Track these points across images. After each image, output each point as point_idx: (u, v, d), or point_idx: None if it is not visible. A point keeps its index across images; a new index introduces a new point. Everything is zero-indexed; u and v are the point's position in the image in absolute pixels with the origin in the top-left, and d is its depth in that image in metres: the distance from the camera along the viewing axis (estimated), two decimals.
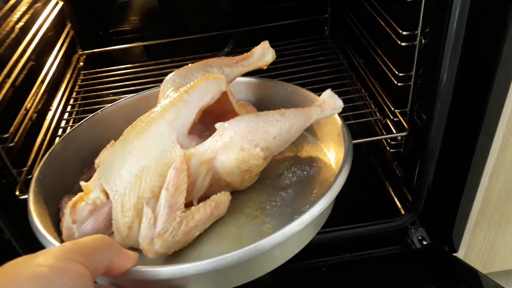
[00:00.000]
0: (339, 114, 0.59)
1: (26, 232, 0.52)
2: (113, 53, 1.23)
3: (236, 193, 0.55)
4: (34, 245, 0.48)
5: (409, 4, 0.70)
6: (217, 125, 0.51)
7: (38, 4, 1.01)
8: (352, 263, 0.74)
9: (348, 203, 0.87)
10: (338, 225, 0.83)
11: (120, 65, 1.14)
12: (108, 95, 1.07)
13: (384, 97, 0.89)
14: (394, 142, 0.86)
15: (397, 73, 0.79)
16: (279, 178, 0.59)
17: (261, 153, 0.51)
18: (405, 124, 0.82)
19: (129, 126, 0.53)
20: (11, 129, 0.71)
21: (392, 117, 0.85)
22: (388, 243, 0.86)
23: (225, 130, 0.50)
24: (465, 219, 0.82)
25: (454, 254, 0.82)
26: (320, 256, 0.72)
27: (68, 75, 1.11)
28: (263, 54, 0.66)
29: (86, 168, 0.63)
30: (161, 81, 0.60)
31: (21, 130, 0.75)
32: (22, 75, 0.83)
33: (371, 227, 0.85)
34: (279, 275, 0.61)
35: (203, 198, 0.51)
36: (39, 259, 0.30)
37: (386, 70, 0.83)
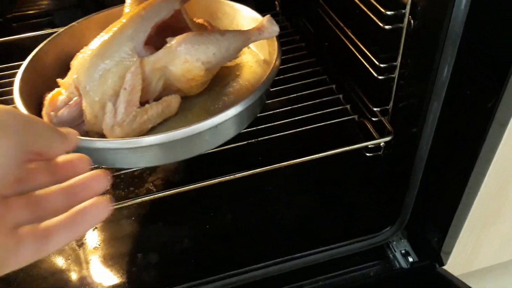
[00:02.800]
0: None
1: None
2: (14, 44, 0.97)
3: (187, 98, 0.67)
4: None
5: None
6: (168, 39, 0.62)
7: None
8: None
9: (321, 219, 0.74)
10: (312, 247, 0.69)
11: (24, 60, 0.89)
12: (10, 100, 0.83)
13: (358, 92, 0.73)
14: (372, 146, 0.71)
15: (377, 63, 0.64)
16: (224, 87, 0.71)
17: (202, 66, 0.62)
18: (387, 126, 0.67)
19: (98, 35, 0.62)
20: None
21: (370, 117, 0.69)
22: (367, 259, 0.72)
23: (173, 44, 0.61)
24: (457, 231, 0.69)
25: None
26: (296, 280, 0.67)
27: None
28: None
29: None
30: None
31: None
32: None
33: (350, 246, 0.70)
34: None
35: (158, 99, 0.63)
36: None
37: (362, 59, 0.68)
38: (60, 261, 0.74)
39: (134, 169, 0.81)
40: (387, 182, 0.75)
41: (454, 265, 0.76)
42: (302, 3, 0.97)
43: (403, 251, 0.76)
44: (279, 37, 0.71)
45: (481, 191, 0.64)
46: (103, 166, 0.62)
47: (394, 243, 0.76)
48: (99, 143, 0.57)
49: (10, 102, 0.84)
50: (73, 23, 0.80)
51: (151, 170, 0.88)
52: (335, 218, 0.76)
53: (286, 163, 0.65)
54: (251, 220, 0.77)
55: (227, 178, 0.66)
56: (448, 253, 0.72)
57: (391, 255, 0.75)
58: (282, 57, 0.69)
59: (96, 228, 0.79)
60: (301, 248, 0.71)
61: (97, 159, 0.61)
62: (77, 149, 0.52)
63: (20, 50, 0.95)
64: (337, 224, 0.76)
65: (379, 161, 0.74)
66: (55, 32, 0.78)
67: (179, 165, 0.89)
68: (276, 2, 1.07)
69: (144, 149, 0.58)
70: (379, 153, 0.72)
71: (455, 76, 0.53)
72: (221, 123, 0.59)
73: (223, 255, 0.73)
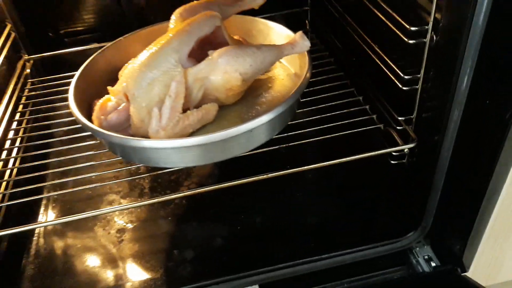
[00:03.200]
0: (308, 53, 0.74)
1: None
2: (66, 57, 1.07)
3: (223, 106, 0.73)
4: None
5: None
6: (209, 52, 0.68)
7: None
8: None
9: (347, 223, 0.77)
10: (336, 249, 0.73)
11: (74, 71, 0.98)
12: (62, 106, 0.92)
13: (384, 102, 0.78)
14: (397, 153, 0.75)
15: (402, 75, 0.68)
16: (257, 97, 0.78)
17: (240, 77, 0.68)
18: (411, 134, 0.71)
19: (146, 48, 0.69)
20: None
21: (395, 126, 0.74)
22: (391, 264, 0.75)
23: (214, 56, 0.68)
24: (478, 237, 0.72)
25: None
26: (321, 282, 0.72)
27: (11, 84, 0.94)
28: None
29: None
30: None
31: None
32: None
33: (373, 249, 0.74)
34: None
35: (198, 107, 0.69)
36: None
37: (387, 71, 0.73)
38: (102, 255, 0.80)
39: (174, 169, 0.87)
40: (411, 189, 0.78)
41: (477, 274, 0.78)
42: (330, 21, 1.03)
43: (426, 257, 0.79)
44: (309, 52, 0.77)
45: (501, 198, 0.67)
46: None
47: (417, 248, 0.79)
48: (146, 142, 0.64)
49: (58, 108, 0.94)
50: (120, 38, 0.88)
51: (186, 175, 0.94)
52: (360, 222, 0.80)
53: (313, 166, 0.70)
54: (279, 221, 0.82)
55: (257, 178, 0.72)
56: (470, 260, 0.74)
57: (414, 260, 0.78)
58: (312, 71, 0.74)
59: (135, 226, 0.85)
60: (327, 250, 0.75)
61: (142, 158, 0.67)
62: (126, 148, 0.59)
63: (70, 62, 1.05)
64: (362, 228, 0.80)
65: (403, 169, 0.78)
66: (102, 46, 0.86)
67: (212, 171, 0.95)
68: (306, 21, 1.14)
69: (185, 150, 0.65)
70: (403, 161, 0.76)
71: (474, 87, 0.57)
72: (255, 128, 0.65)
73: (253, 253, 0.77)
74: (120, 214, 0.87)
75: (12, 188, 0.80)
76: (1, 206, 0.78)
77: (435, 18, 0.60)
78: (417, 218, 0.75)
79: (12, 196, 0.76)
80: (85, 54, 1.03)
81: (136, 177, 0.92)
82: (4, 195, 0.77)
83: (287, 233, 0.80)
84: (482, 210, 0.67)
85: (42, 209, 0.90)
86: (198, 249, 0.79)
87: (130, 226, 0.85)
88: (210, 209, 0.86)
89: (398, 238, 0.77)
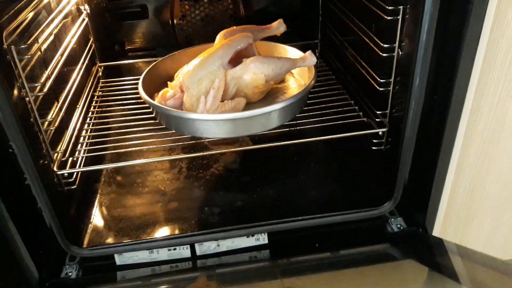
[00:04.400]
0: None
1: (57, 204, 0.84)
2: (127, 66, 1.39)
3: (249, 103, 0.98)
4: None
5: (389, 21, 0.89)
6: (244, 59, 0.96)
7: (68, 19, 1.17)
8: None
9: (332, 194, 1.05)
10: (329, 211, 0.98)
11: (133, 76, 1.31)
12: (121, 100, 1.22)
13: (368, 102, 1.07)
14: (376, 141, 1.02)
15: (379, 80, 0.97)
16: (275, 98, 1.05)
17: (264, 78, 0.95)
18: (385, 122, 0.99)
19: (199, 55, 0.98)
20: (49, 117, 0.90)
21: (374, 118, 1.02)
22: (368, 232, 0.99)
23: (247, 61, 0.95)
24: (435, 208, 0.96)
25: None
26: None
27: (89, 83, 1.25)
28: (278, 26, 1.15)
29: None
30: None
31: (55, 120, 0.92)
32: (55, 74, 0.97)
33: (357, 214, 0.99)
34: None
35: (232, 99, 0.95)
36: None
37: (369, 79, 1.02)
38: (150, 209, 1.06)
39: (215, 138, 1.18)
40: (386, 168, 1.05)
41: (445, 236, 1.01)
42: (334, 49, 1.34)
43: (398, 226, 1.03)
44: (315, 67, 1.05)
45: (451, 178, 0.92)
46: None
47: (392, 219, 1.03)
48: (196, 115, 0.93)
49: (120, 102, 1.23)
50: (174, 52, 1.19)
51: (215, 160, 1.22)
52: (347, 194, 1.06)
53: (312, 139, 0.99)
54: (286, 190, 1.08)
55: (272, 145, 1.01)
56: (432, 224, 0.99)
57: (389, 228, 1.03)
58: (318, 84, 1.02)
59: (175, 192, 1.11)
60: (322, 211, 1.01)
61: (191, 129, 0.95)
62: (180, 120, 0.88)
63: (130, 70, 1.38)
64: (349, 198, 1.04)
65: (381, 153, 1.04)
66: (157, 59, 1.16)
67: (235, 159, 1.23)
68: (316, 50, 1.45)
69: (222, 122, 0.93)
70: (381, 147, 1.03)
71: (425, 86, 0.85)
72: (273, 111, 0.94)
73: (264, 212, 1.02)
74: (163, 183, 1.14)
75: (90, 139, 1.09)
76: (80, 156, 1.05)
77: (400, 39, 0.89)
78: (390, 191, 1.01)
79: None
80: (142, 65, 1.37)
81: (176, 156, 1.20)
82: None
83: (291, 199, 1.05)
84: (435, 185, 0.92)
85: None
86: (223, 207, 1.05)
87: (171, 192, 1.11)
88: (233, 183, 1.13)
89: (376, 207, 1.02)
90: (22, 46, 0.78)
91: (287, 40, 1.20)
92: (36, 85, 0.84)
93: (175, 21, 1.38)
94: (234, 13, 1.41)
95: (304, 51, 1.15)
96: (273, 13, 1.40)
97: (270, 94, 1.10)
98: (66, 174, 0.92)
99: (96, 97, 1.25)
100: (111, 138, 1.11)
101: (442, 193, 0.95)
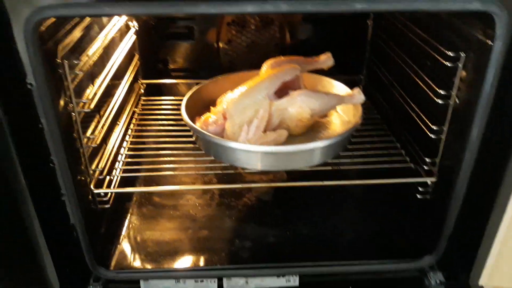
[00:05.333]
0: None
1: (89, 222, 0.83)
2: (168, 85, 1.39)
3: (291, 136, 0.96)
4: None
5: (446, 66, 0.85)
6: (290, 91, 0.95)
7: (117, 35, 1.17)
8: None
9: (369, 239, 1.00)
10: (360, 257, 0.94)
11: (173, 95, 1.32)
12: (160, 119, 1.23)
13: (416, 147, 1.02)
14: (422, 189, 0.97)
15: (430, 125, 0.93)
16: (317, 133, 1.03)
17: (310, 111, 0.94)
18: (434, 171, 0.94)
19: (245, 83, 0.97)
20: (90, 133, 0.90)
21: (422, 165, 0.97)
22: (405, 285, 0.94)
23: (294, 94, 0.94)
24: (481, 266, 0.90)
25: None
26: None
27: (131, 99, 1.25)
28: (326, 60, 1.12)
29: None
30: None
31: (97, 137, 0.92)
32: (101, 90, 0.97)
33: (394, 264, 0.93)
34: None
35: (274, 130, 0.93)
36: None
37: (420, 123, 0.97)
38: (180, 236, 1.03)
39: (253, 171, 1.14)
40: (431, 219, 0.99)
41: None
42: (379, 85, 1.30)
43: (438, 281, 0.97)
44: (362, 105, 1.02)
45: (501, 237, 0.86)
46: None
47: (431, 273, 0.97)
48: (237, 144, 0.91)
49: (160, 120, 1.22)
50: (218, 76, 1.18)
51: (247, 190, 1.19)
52: (385, 241, 1.01)
53: (355, 182, 0.94)
54: (320, 230, 1.04)
55: (311, 183, 0.97)
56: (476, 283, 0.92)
57: (427, 283, 0.97)
58: (362, 120, 0.98)
59: (206, 219, 1.08)
60: (357, 257, 0.96)
61: (230, 157, 0.93)
62: (220, 148, 0.86)
63: (171, 89, 1.38)
64: (386, 245, 1.00)
65: (427, 202, 0.99)
66: (198, 82, 1.15)
67: (269, 190, 1.20)
68: (361, 86, 1.41)
69: (263, 155, 0.90)
70: (427, 196, 0.98)
71: (483, 139, 0.80)
72: (316, 148, 0.91)
73: (297, 251, 0.98)
74: (194, 209, 1.11)
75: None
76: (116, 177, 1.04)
77: (458, 87, 0.85)
78: (432, 243, 0.95)
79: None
80: (183, 85, 1.36)
81: (209, 186, 1.18)
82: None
83: (326, 239, 1.01)
84: (485, 240, 0.87)
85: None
86: (254, 241, 1.01)
87: (202, 219, 1.08)
88: (266, 216, 1.09)
89: (415, 258, 0.96)
90: (75, 61, 0.78)
91: (330, 72, 1.18)
92: (83, 101, 0.83)
93: (220, 44, 1.37)
94: (279, 41, 1.39)
95: (347, 84, 1.13)
96: (318, 44, 1.38)
97: (311, 128, 1.07)
98: (102, 193, 0.90)
99: (136, 114, 1.24)
100: (147, 160, 1.09)
101: (490, 251, 0.88)
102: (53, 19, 0.72)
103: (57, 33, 0.76)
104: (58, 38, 0.76)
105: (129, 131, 1.18)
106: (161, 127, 1.18)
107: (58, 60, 0.76)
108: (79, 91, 0.87)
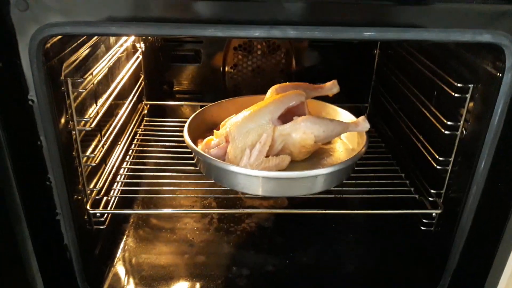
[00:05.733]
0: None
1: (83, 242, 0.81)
2: (172, 107, 1.38)
3: (294, 162, 0.96)
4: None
5: (454, 97, 0.84)
6: (295, 117, 0.93)
7: (123, 55, 1.17)
8: None
9: (371, 271, 0.96)
10: None
11: (176, 117, 1.31)
12: (162, 141, 1.21)
13: (421, 178, 1.00)
14: (426, 221, 0.94)
15: (437, 157, 0.91)
16: (320, 160, 1.02)
17: (314, 138, 0.91)
18: (439, 203, 0.92)
19: (249, 107, 0.97)
20: (90, 152, 0.89)
21: (427, 197, 0.95)
22: None
23: (299, 120, 0.92)
24: None
25: None
26: None
27: (134, 120, 1.25)
28: (332, 87, 1.13)
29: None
30: None
31: (97, 156, 0.91)
32: (104, 110, 0.97)
33: None
34: None
35: (276, 155, 0.92)
36: None
37: (426, 154, 0.96)
38: (175, 261, 1.00)
39: (240, 211, 1.12)
40: (434, 251, 0.96)
41: None
42: (384, 115, 1.29)
43: None
44: (367, 133, 1.01)
45: (506, 270, 0.84)
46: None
47: None
48: (238, 168, 0.90)
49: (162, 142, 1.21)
50: (222, 100, 1.17)
51: (247, 216, 1.16)
52: (387, 273, 0.97)
53: (355, 211, 0.92)
54: (320, 260, 1.00)
55: (310, 211, 0.97)
56: None
57: None
58: (366, 149, 0.97)
59: (203, 244, 1.05)
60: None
61: (230, 181, 0.91)
62: (221, 171, 0.85)
63: (175, 111, 1.37)
64: (389, 278, 0.96)
65: (430, 235, 0.97)
66: (203, 105, 1.14)
67: (269, 216, 1.17)
68: (365, 114, 1.40)
69: (264, 180, 0.89)
70: (431, 228, 0.95)
71: (490, 172, 0.79)
72: (320, 175, 0.89)
73: (298, 282, 0.95)
74: (192, 233, 1.09)
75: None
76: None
77: (465, 118, 0.84)
78: (436, 276, 0.91)
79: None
80: (187, 107, 1.35)
81: (208, 211, 1.15)
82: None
83: (327, 270, 0.98)
84: (491, 275, 0.84)
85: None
86: (253, 269, 0.98)
87: (200, 243, 1.05)
88: (265, 243, 1.06)
89: None
90: (78, 80, 0.77)
91: (335, 99, 1.18)
92: (85, 119, 0.82)
93: (226, 68, 1.38)
94: (285, 67, 1.40)
95: (352, 113, 1.12)
96: (324, 72, 1.38)
97: (315, 155, 1.05)
98: (98, 214, 0.87)
99: (138, 135, 1.23)
100: (146, 181, 1.07)
101: (498, 286, 0.85)
102: (59, 37, 0.72)
103: (63, 51, 0.76)
104: (63, 56, 0.76)
105: (130, 152, 1.16)
106: (163, 148, 1.15)
107: (62, 78, 0.75)
108: (82, 109, 0.86)
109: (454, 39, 0.67)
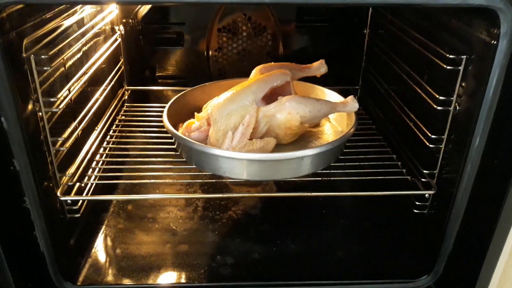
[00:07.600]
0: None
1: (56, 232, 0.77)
2: (155, 93, 1.32)
3: (280, 145, 0.91)
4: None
5: (446, 71, 0.79)
6: (279, 97, 0.89)
7: (100, 38, 1.11)
8: None
9: (361, 257, 0.92)
10: (350, 276, 0.85)
11: (160, 103, 1.24)
12: (143, 126, 1.15)
13: (413, 159, 0.95)
14: (419, 203, 0.90)
15: (429, 135, 0.86)
16: (307, 143, 0.97)
17: (299, 119, 0.86)
18: (432, 184, 0.87)
19: (232, 88, 0.92)
20: (62, 137, 0.83)
21: (420, 177, 0.90)
22: None
23: (283, 100, 0.87)
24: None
25: None
26: None
27: (113, 105, 1.19)
28: (319, 67, 1.07)
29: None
30: None
31: (68, 142, 0.85)
32: (75, 92, 0.92)
33: (389, 285, 0.85)
34: None
35: (261, 138, 0.87)
36: None
37: (418, 133, 0.90)
38: (158, 250, 0.95)
39: (229, 195, 1.07)
40: (428, 236, 0.92)
41: None
42: (375, 96, 1.24)
43: None
44: (356, 114, 0.95)
45: (504, 253, 0.79)
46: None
47: None
48: (220, 151, 0.84)
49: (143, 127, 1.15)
50: (205, 83, 1.12)
51: (234, 203, 1.11)
52: (379, 259, 0.92)
53: (346, 193, 0.87)
54: (308, 247, 0.96)
55: (300, 194, 0.92)
56: None
57: None
58: (355, 132, 0.92)
59: (187, 233, 1.00)
60: (347, 277, 0.88)
61: (212, 165, 0.86)
62: (202, 155, 0.78)
63: (158, 96, 1.31)
64: (380, 264, 0.91)
65: (423, 219, 0.92)
66: (187, 89, 1.09)
67: (257, 203, 1.12)
68: (356, 96, 1.35)
69: (247, 163, 0.84)
70: (424, 211, 0.90)
71: (485, 147, 0.74)
72: (306, 157, 0.84)
73: (284, 269, 0.90)
74: (175, 222, 1.03)
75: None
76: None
77: (458, 93, 0.78)
78: (430, 262, 0.87)
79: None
80: (171, 93, 1.30)
81: (191, 195, 1.10)
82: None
83: (315, 257, 0.93)
84: (486, 262, 0.79)
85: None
86: (238, 257, 0.93)
87: (183, 232, 1.00)
88: (252, 230, 1.01)
89: (412, 279, 0.88)
90: (43, 57, 0.71)
91: (325, 83, 1.13)
92: (52, 99, 0.76)
93: (210, 52, 1.32)
94: (272, 50, 1.34)
95: (343, 95, 1.06)
96: (313, 54, 1.32)
97: (302, 138, 1.00)
98: (69, 201, 0.82)
99: (118, 120, 1.18)
100: (127, 167, 1.02)
101: (493, 271, 0.81)
102: (18, 7, 0.66)
103: (23, 24, 0.70)
104: (24, 30, 0.70)
105: (108, 137, 1.10)
106: (144, 134, 1.10)
107: (23, 55, 0.69)
108: (51, 91, 0.81)
109: (444, 2, 0.61)
